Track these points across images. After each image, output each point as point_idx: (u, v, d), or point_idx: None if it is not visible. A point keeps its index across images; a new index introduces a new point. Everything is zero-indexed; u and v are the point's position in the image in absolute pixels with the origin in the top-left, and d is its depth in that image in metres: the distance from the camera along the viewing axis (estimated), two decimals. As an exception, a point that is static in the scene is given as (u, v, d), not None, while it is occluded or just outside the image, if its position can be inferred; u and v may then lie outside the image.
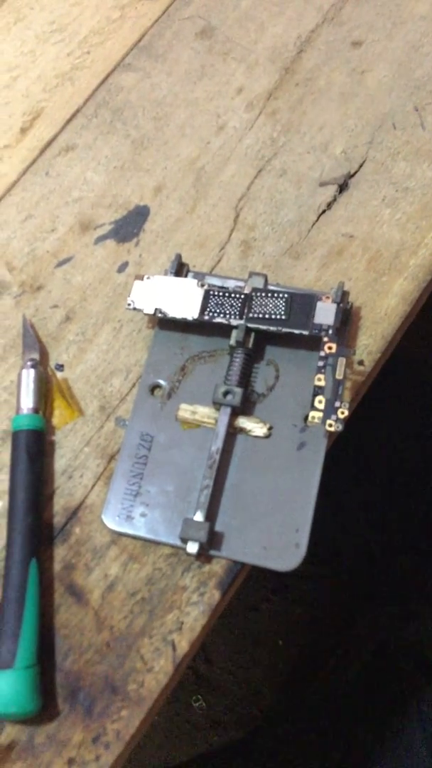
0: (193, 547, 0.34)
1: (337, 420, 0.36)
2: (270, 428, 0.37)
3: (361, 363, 0.40)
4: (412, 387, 0.53)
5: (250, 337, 0.38)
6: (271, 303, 0.38)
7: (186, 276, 0.41)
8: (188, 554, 0.35)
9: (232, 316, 0.38)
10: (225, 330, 0.39)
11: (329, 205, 0.44)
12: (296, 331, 0.38)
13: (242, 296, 0.39)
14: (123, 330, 0.41)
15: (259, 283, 0.39)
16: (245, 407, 0.38)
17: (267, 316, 0.38)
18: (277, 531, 0.35)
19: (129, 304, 0.39)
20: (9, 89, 0.48)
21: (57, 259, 0.43)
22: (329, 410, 0.36)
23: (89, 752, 0.33)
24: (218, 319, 0.38)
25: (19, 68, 0.49)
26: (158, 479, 0.37)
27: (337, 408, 0.36)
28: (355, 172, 0.44)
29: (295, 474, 0.36)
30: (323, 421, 0.36)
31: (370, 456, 0.50)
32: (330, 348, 0.37)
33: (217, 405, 0.37)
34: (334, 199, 0.44)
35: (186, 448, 0.37)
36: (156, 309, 0.39)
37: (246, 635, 0.81)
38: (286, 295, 0.38)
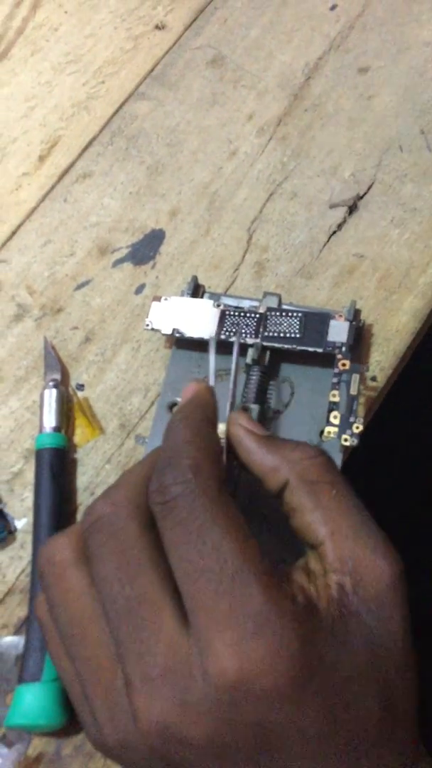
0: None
1: (352, 435, 0.37)
2: (286, 444, 0.38)
3: (374, 379, 0.41)
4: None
5: (265, 355, 0.39)
6: (285, 322, 0.39)
7: (202, 297, 0.42)
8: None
9: (248, 335, 0.39)
10: (241, 349, 0.40)
11: (339, 227, 0.45)
12: (311, 349, 0.39)
13: (257, 316, 0.40)
14: (141, 350, 0.42)
15: (273, 302, 0.41)
16: (262, 424, 0.38)
17: (282, 334, 0.39)
18: (295, 544, 0.36)
19: (147, 325, 0.40)
20: (27, 119, 0.50)
21: (76, 282, 0.44)
22: (344, 425, 0.37)
23: (116, 764, 0.33)
24: (233, 338, 0.39)
25: (36, 98, 0.50)
26: (178, 495, 0.37)
27: (352, 423, 0.37)
28: (364, 194, 0.46)
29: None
30: (338, 436, 0.37)
31: (387, 470, 0.51)
32: (344, 365, 0.38)
33: (235, 422, 0.38)
34: (344, 221, 0.45)
35: (205, 464, 0.38)
36: (174, 329, 0.40)
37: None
38: (300, 314, 0.39)
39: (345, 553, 0.27)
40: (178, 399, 0.40)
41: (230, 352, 0.40)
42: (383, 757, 0.25)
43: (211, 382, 0.34)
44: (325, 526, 0.28)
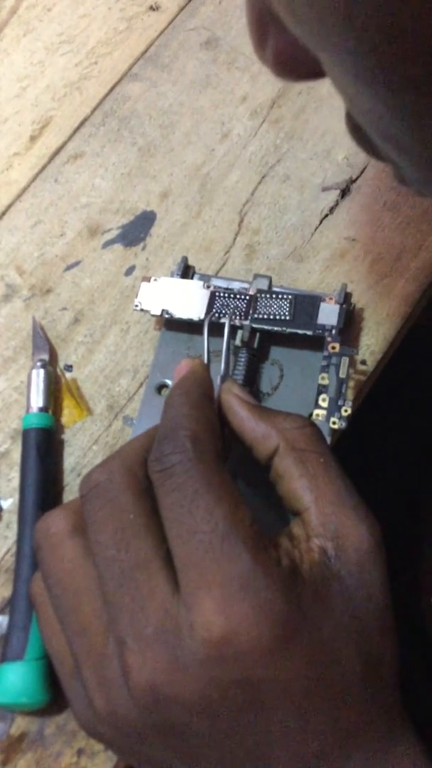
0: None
1: (341, 418, 0.37)
2: (275, 426, 0.38)
3: (363, 363, 0.40)
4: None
5: (255, 337, 0.39)
6: (275, 304, 0.39)
7: (192, 278, 0.42)
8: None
9: (238, 317, 0.39)
10: (231, 331, 0.39)
11: (332, 210, 0.45)
12: (300, 332, 0.39)
13: (247, 297, 0.39)
14: (130, 331, 0.42)
15: (263, 284, 0.40)
16: (250, 406, 0.38)
17: (271, 316, 0.39)
18: (282, 526, 0.36)
19: (136, 306, 0.40)
20: (19, 99, 0.49)
21: (66, 263, 0.44)
22: (333, 408, 0.37)
23: (98, 743, 0.33)
24: (224, 320, 0.39)
25: (28, 78, 0.50)
26: (165, 476, 0.37)
27: (341, 406, 0.37)
28: (357, 178, 0.45)
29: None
30: (327, 419, 0.37)
31: (378, 452, 0.51)
32: (333, 348, 0.38)
33: (223, 403, 0.38)
34: (337, 204, 0.45)
35: (192, 445, 0.38)
36: (163, 310, 0.40)
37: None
38: (290, 297, 0.39)
39: (328, 518, 0.28)
40: (167, 380, 0.40)
41: (220, 334, 0.40)
42: (368, 714, 0.26)
43: (205, 360, 0.35)
44: (310, 493, 0.28)
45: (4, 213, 0.46)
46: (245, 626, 0.24)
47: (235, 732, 0.25)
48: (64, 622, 0.28)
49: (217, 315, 0.39)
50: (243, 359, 0.39)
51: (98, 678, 0.26)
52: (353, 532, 0.27)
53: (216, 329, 0.40)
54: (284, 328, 0.39)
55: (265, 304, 0.39)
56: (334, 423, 0.37)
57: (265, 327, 0.39)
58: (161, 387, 0.40)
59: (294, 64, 0.23)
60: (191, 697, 0.24)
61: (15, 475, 0.38)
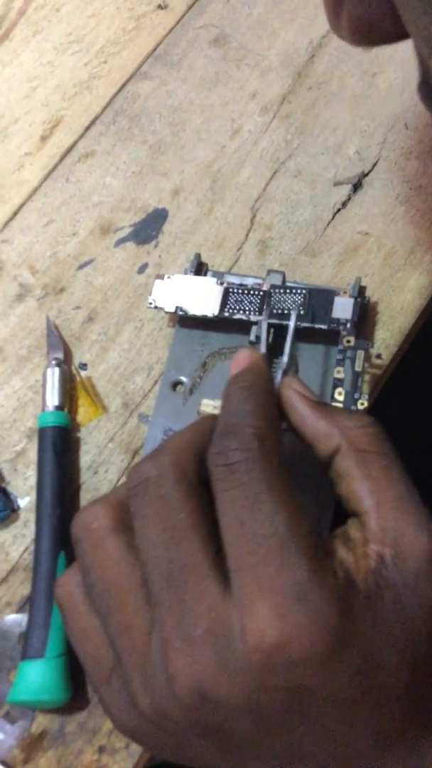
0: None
1: (357, 411, 0.37)
2: (291, 421, 0.38)
3: (379, 356, 0.40)
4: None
5: (269, 332, 0.39)
6: (289, 299, 0.39)
7: (205, 275, 0.42)
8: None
9: (252, 313, 0.39)
10: (245, 326, 0.39)
11: (344, 204, 0.44)
12: (315, 326, 0.38)
13: (261, 293, 0.39)
14: (144, 329, 0.42)
15: (277, 280, 0.40)
16: (266, 401, 0.38)
17: (286, 311, 0.39)
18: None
19: (150, 303, 0.40)
20: (29, 99, 0.49)
21: (78, 262, 0.44)
22: (349, 401, 0.37)
23: (120, 740, 0.33)
24: (238, 316, 0.39)
25: (38, 78, 0.50)
26: (182, 472, 0.37)
27: (357, 399, 0.37)
28: (369, 172, 0.45)
29: (316, 464, 0.37)
30: (343, 412, 0.37)
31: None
32: (348, 341, 0.38)
33: (239, 399, 0.38)
34: (349, 198, 0.45)
35: (208, 441, 0.38)
36: (177, 307, 0.40)
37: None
38: (304, 291, 0.39)
39: (388, 524, 0.27)
40: (182, 377, 0.40)
41: (234, 330, 0.40)
42: (410, 717, 0.25)
43: (263, 349, 0.35)
44: (371, 496, 0.27)
45: (16, 213, 0.46)
46: (299, 636, 0.24)
47: (279, 732, 0.25)
48: (105, 619, 0.27)
49: (231, 311, 0.39)
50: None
51: (142, 677, 0.26)
52: (413, 540, 0.26)
53: (232, 325, 0.40)
54: (299, 323, 0.38)
55: (279, 299, 0.39)
56: (350, 417, 0.37)
57: (280, 322, 0.39)
58: (176, 384, 0.40)
59: (370, 28, 0.23)
60: (238, 699, 0.24)
61: (32, 474, 0.39)
